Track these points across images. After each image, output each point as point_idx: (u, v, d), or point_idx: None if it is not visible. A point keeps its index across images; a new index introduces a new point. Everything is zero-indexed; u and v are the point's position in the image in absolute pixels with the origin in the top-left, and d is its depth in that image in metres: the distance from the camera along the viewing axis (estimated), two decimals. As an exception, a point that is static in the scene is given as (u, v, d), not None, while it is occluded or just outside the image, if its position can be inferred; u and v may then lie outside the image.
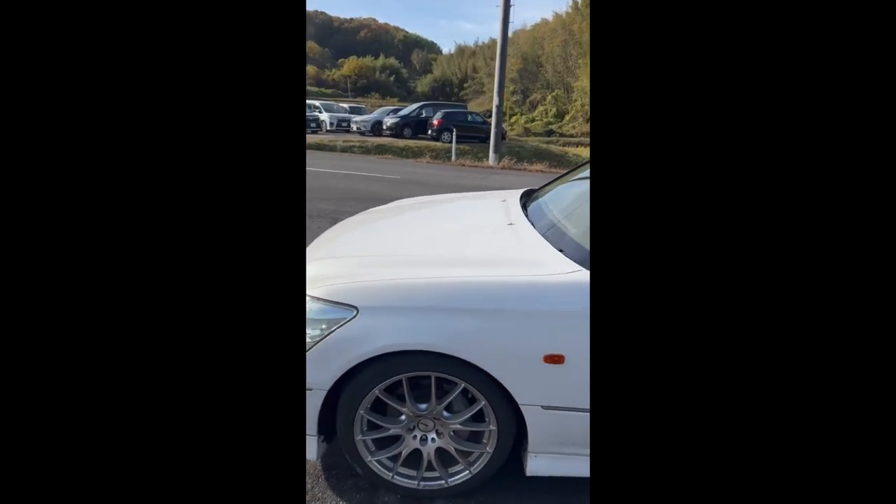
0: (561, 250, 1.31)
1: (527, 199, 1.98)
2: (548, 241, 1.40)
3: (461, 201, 2.37)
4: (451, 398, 1.24)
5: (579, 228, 1.38)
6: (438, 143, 12.53)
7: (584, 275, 1.17)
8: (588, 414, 1.18)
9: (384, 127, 15.03)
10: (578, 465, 1.29)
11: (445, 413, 1.27)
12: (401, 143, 12.77)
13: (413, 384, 1.24)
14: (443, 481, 1.32)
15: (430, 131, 13.87)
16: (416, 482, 1.32)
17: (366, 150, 11.27)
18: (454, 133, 11.13)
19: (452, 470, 1.33)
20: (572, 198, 1.74)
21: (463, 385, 1.21)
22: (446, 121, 13.28)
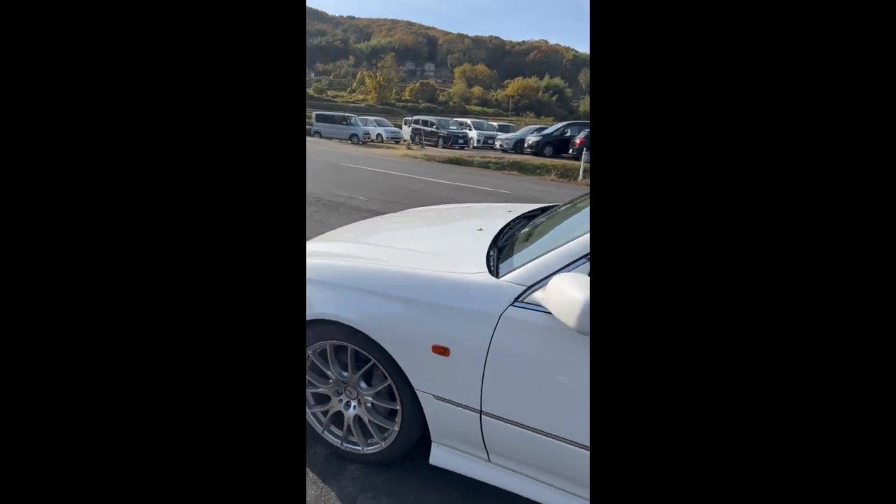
0: (489, 255, 1.37)
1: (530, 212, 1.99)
2: (485, 247, 1.45)
3: (481, 207, 2.46)
4: (362, 371, 1.40)
5: (515, 243, 1.41)
6: (573, 162, 12.23)
7: (485, 276, 1.23)
8: (477, 415, 1.22)
9: (525, 145, 15.26)
10: (475, 468, 1.32)
11: (363, 384, 1.43)
12: (536, 160, 12.81)
13: (337, 352, 1.44)
14: (360, 448, 1.48)
15: (570, 150, 13.62)
16: (340, 442, 1.51)
17: (500, 167, 11.62)
18: (585, 152, 10.75)
19: (370, 440, 1.48)
20: (544, 218, 1.73)
21: (373, 361, 1.36)
22: (588, 140, 12.88)
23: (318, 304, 1.39)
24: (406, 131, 20.01)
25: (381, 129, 19.19)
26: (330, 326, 1.39)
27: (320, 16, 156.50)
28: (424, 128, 19.35)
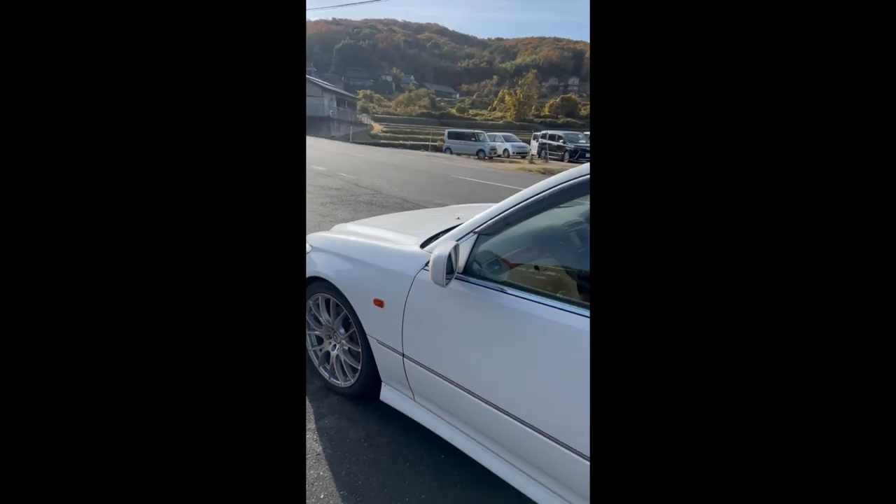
0: (434, 234, 1.66)
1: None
2: (446, 230, 1.73)
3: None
4: (340, 318, 1.80)
5: (463, 223, 1.66)
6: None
7: (414, 248, 1.53)
8: (401, 358, 1.52)
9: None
10: (407, 406, 1.61)
11: (341, 330, 1.83)
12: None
13: (326, 303, 1.86)
14: (340, 382, 1.87)
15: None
16: (328, 376, 1.93)
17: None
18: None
19: (348, 377, 1.86)
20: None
21: (344, 311, 1.75)
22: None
23: (315, 265, 1.84)
24: (534, 146, 20.24)
25: (507, 145, 19.76)
26: (321, 282, 1.82)
27: (469, 40, 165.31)
28: (551, 142, 19.34)
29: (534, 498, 1.24)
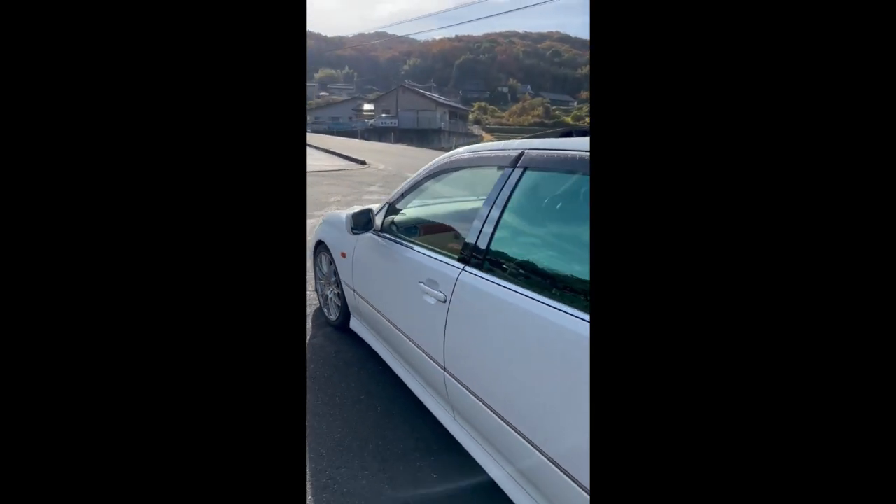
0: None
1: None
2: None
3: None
4: (331, 269, 2.53)
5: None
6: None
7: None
8: (353, 292, 2.19)
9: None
10: (363, 332, 2.25)
11: (333, 278, 2.55)
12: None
13: (326, 260, 2.60)
14: (331, 317, 2.60)
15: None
16: (326, 312, 2.67)
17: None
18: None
19: (333, 313, 2.58)
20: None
21: (334, 265, 2.47)
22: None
23: (320, 233, 2.61)
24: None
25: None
26: (322, 244, 2.58)
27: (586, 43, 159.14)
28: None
29: (408, 384, 1.80)
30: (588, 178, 1.07)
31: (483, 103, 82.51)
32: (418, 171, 1.86)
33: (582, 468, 0.94)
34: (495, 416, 1.21)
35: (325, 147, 18.93)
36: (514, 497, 1.23)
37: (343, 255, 2.26)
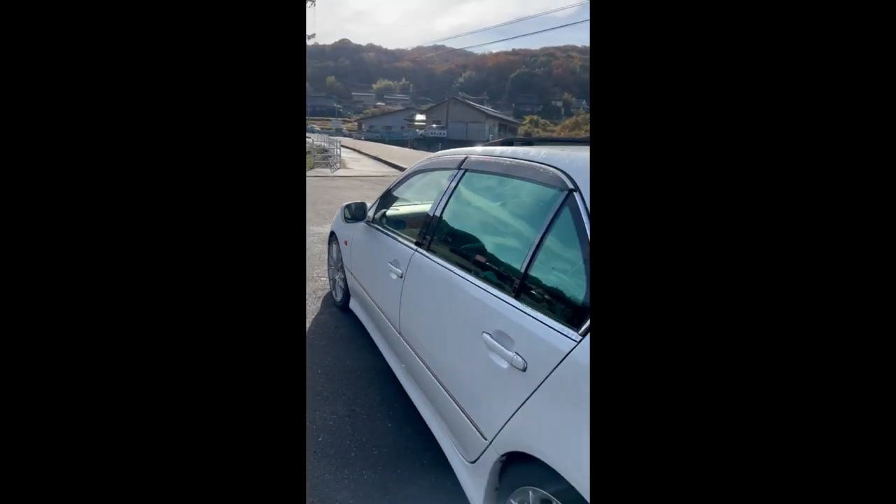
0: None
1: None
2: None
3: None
4: (339, 256, 2.91)
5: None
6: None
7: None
8: (350, 274, 2.55)
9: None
10: (362, 316, 2.59)
11: (340, 264, 2.93)
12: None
13: (336, 248, 2.99)
14: (338, 299, 2.98)
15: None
16: (335, 294, 3.05)
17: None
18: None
19: (339, 295, 2.95)
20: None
21: (341, 253, 2.85)
22: None
23: (333, 225, 3.00)
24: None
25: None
26: (333, 234, 2.98)
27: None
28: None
29: (380, 349, 2.12)
30: (512, 178, 1.34)
31: (535, 116, 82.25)
32: (403, 172, 2.20)
33: (477, 414, 1.20)
34: (427, 370, 1.50)
35: (374, 154, 19.75)
36: (436, 432, 1.51)
37: (346, 242, 2.63)
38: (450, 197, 1.62)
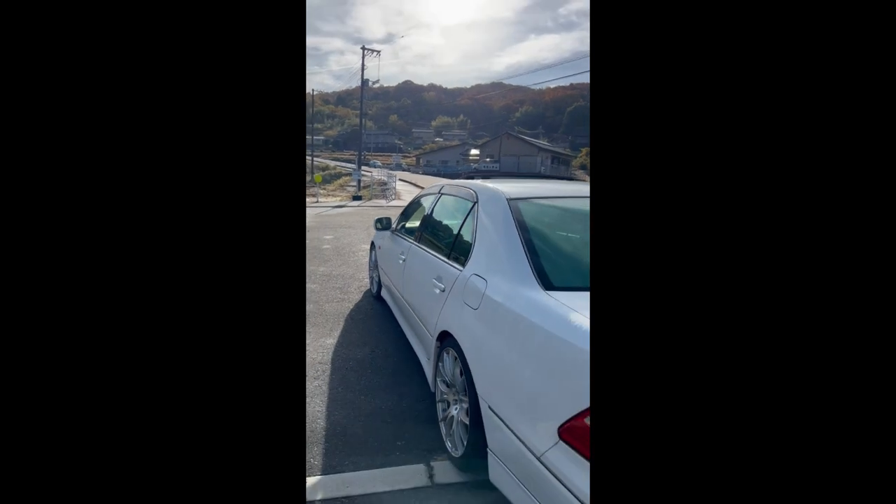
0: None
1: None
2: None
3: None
4: (374, 258, 3.96)
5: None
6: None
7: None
8: (381, 272, 3.59)
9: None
10: (387, 299, 3.60)
11: (374, 264, 3.98)
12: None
13: (373, 253, 4.05)
14: (373, 290, 4.02)
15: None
16: (371, 289, 4.10)
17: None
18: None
19: (374, 289, 3.99)
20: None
21: (376, 255, 3.90)
22: None
23: (373, 236, 4.09)
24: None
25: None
26: (372, 243, 4.06)
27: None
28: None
29: (394, 314, 3.10)
30: (466, 201, 2.30)
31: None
32: (414, 196, 3.24)
33: (425, 318, 2.16)
34: (408, 305, 2.48)
35: (424, 186, 21.35)
36: (410, 341, 2.47)
37: (379, 247, 3.68)
38: (431, 210, 2.62)
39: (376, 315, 3.56)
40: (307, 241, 6.72)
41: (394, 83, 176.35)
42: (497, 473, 1.41)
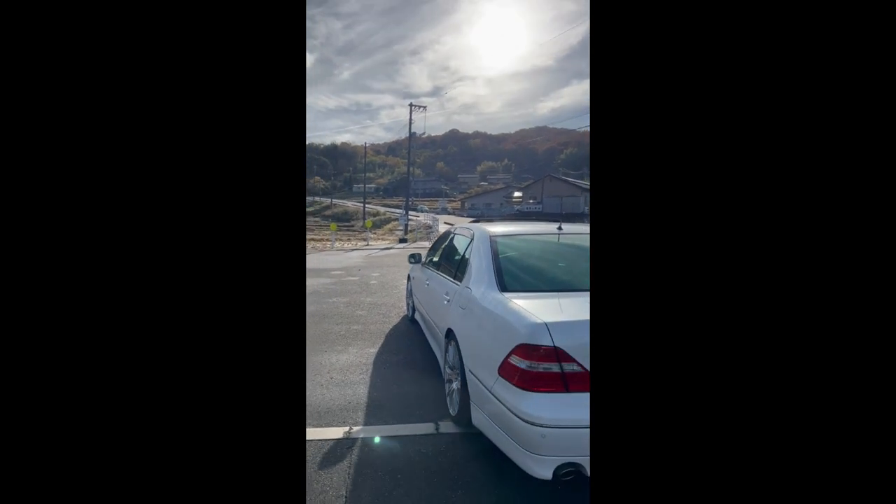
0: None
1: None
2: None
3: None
4: (409, 288, 4.83)
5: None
6: None
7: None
8: (414, 298, 4.44)
9: None
10: (419, 320, 4.43)
11: (409, 292, 4.83)
12: None
13: (408, 284, 4.91)
14: (409, 315, 4.85)
15: None
16: (408, 312, 4.94)
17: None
18: None
19: (408, 312, 4.82)
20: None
21: (411, 286, 4.77)
22: None
23: (409, 270, 4.99)
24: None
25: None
26: (408, 277, 4.94)
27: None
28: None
29: (421, 325, 3.90)
30: (467, 238, 3.13)
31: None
32: (439, 236, 4.11)
33: (437, 323, 2.95)
34: (430, 318, 3.28)
35: (469, 229, 22.34)
36: (431, 343, 3.24)
37: (412, 278, 4.55)
38: (446, 245, 3.47)
39: (410, 333, 4.37)
40: (357, 279, 7.74)
41: (440, 132, 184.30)
42: (475, 415, 2.14)
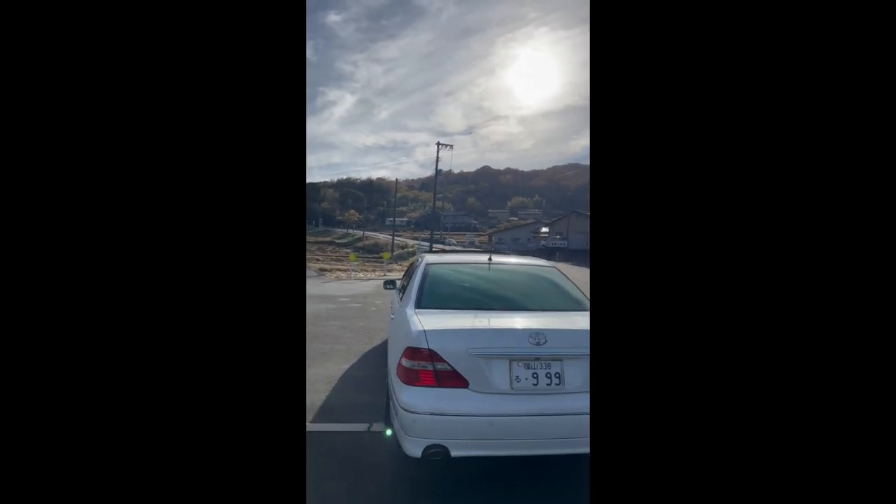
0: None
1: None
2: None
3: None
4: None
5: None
6: None
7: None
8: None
9: None
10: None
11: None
12: None
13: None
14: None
15: None
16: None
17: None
18: None
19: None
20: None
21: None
22: None
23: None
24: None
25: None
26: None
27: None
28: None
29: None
30: (419, 266, 3.58)
31: (674, 224, 78.64)
32: (410, 267, 4.57)
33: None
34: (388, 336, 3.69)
35: (488, 263, 22.69)
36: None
37: (391, 303, 4.99)
38: (409, 271, 3.91)
39: (384, 353, 4.76)
40: (360, 306, 8.23)
41: (472, 168, 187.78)
42: (391, 412, 2.52)
